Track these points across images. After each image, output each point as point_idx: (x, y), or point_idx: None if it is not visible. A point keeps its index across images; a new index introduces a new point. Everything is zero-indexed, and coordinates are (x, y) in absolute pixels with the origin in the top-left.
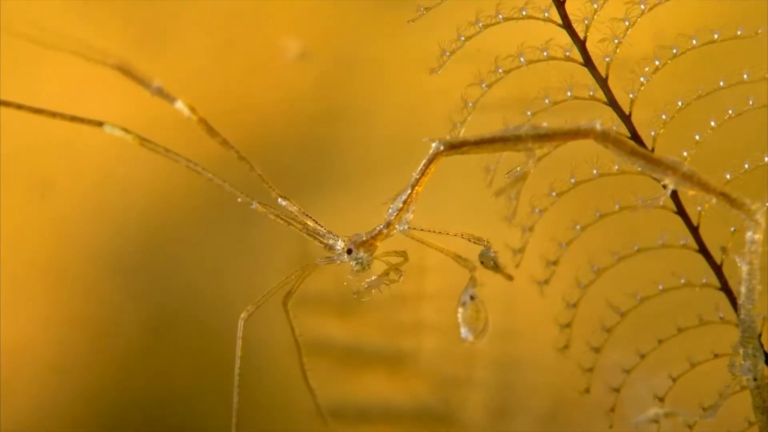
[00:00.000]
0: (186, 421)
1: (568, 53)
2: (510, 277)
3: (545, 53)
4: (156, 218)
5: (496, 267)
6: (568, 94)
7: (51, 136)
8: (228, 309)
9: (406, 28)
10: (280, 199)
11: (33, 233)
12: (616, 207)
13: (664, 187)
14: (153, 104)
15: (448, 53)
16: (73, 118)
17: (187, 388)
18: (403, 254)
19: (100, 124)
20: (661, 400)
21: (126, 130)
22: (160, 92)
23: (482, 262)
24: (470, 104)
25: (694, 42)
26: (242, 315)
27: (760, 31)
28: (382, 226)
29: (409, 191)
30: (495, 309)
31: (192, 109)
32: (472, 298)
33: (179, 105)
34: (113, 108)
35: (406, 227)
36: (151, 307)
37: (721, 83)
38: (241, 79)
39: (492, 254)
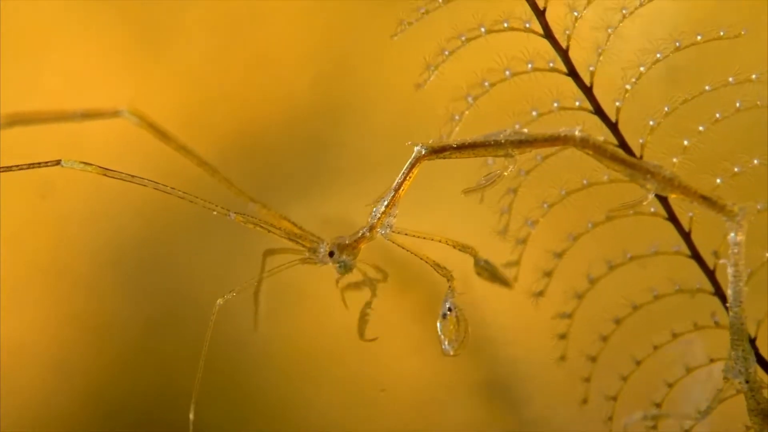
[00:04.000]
0: (185, 420)
1: (551, 64)
2: (509, 285)
3: (530, 65)
4: (155, 218)
5: (493, 276)
6: (555, 105)
7: (51, 136)
8: (227, 308)
9: (395, 39)
10: (250, 204)
11: (33, 233)
12: (606, 216)
13: (646, 189)
14: (155, 98)
15: (432, 67)
16: (30, 165)
17: (186, 387)
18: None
19: (57, 162)
20: (658, 405)
21: (86, 164)
22: (87, 116)
23: (478, 274)
24: (456, 117)
25: (677, 44)
26: (219, 300)
27: (743, 32)
28: (365, 230)
29: (392, 195)
30: (490, 319)
31: (140, 116)
32: (450, 309)
33: (125, 114)
34: (116, 101)
35: (388, 231)
36: (151, 306)
37: (707, 87)
38: (240, 79)
39: (483, 263)
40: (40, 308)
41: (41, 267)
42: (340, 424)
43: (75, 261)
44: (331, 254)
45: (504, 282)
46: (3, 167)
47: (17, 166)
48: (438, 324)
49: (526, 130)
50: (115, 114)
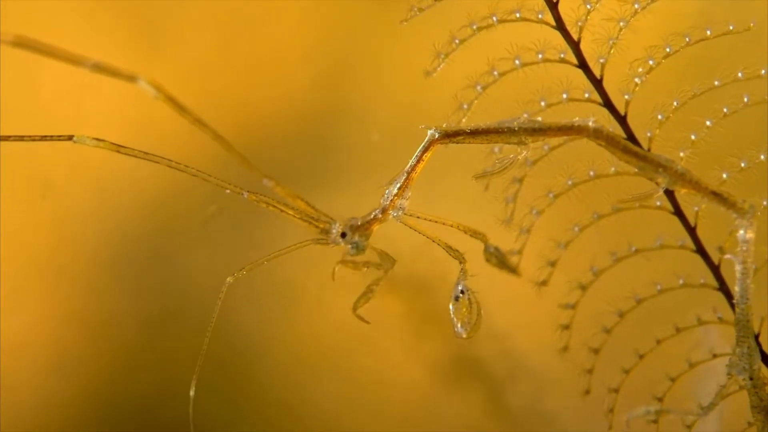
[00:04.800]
0: (185, 419)
1: (562, 55)
2: (518, 273)
3: (540, 55)
4: (155, 217)
5: (502, 263)
6: (564, 96)
7: (54, 120)
8: (227, 307)
9: (404, 25)
10: (265, 181)
11: (33, 233)
12: (612, 208)
13: (657, 184)
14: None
15: (442, 55)
16: (43, 137)
17: (185, 386)
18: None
19: (69, 137)
20: (660, 400)
21: (98, 140)
22: (99, 69)
23: (487, 260)
24: (465, 106)
25: (687, 39)
26: (228, 279)
27: (752, 25)
28: (377, 211)
29: (405, 177)
30: (493, 310)
31: (158, 87)
32: (462, 292)
33: (141, 84)
34: (114, 102)
35: (400, 213)
36: (150, 305)
37: (716, 83)
38: (241, 78)
39: (493, 249)
40: (40, 307)
41: (40, 266)
42: (342, 418)
43: (74, 260)
44: (343, 235)
45: (512, 270)
46: (15, 136)
47: (30, 136)
48: (450, 307)
49: (540, 119)
50: (131, 78)
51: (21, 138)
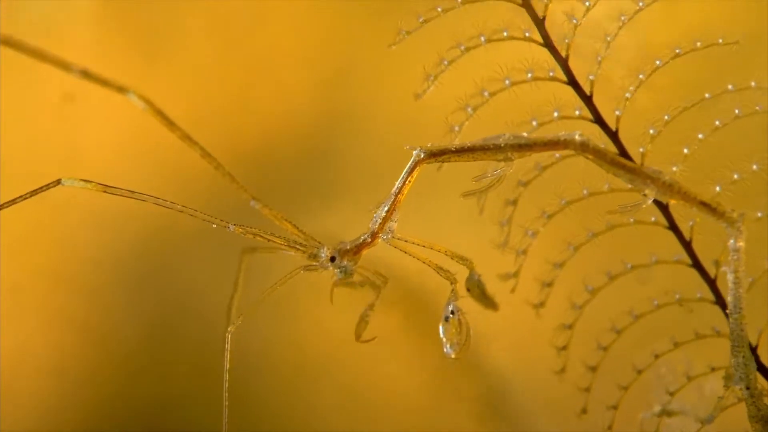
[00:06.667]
0: (185, 427)
1: (552, 73)
2: (495, 308)
3: (530, 74)
4: (157, 224)
5: (482, 295)
6: (555, 114)
7: (51, 138)
8: (225, 320)
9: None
10: (252, 202)
11: (33, 238)
12: (606, 224)
13: (645, 195)
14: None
15: (432, 77)
16: (33, 192)
17: (186, 394)
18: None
19: (57, 182)
20: (659, 416)
21: (86, 181)
22: (87, 76)
23: (468, 290)
24: (456, 128)
25: (677, 51)
26: (229, 329)
27: (739, 41)
28: (366, 236)
29: (392, 200)
30: (489, 329)
31: (147, 102)
32: (452, 312)
33: (131, 97)
34: (113, 109)
35: (389, 236)
36: (151, 312)
37: (707, 95)
38: (238, 90)
39: (476, 278)
40: (42, 316)
41: (41, 272)
42: (341, 428)
43: (75, 266)
44: (332, 259)
45: (490, 304)
46: (6, 203)
47: (20, 197)
48: (440, 327)
49: (525, 134)
50: (120, 90)
51: (13, 202)
